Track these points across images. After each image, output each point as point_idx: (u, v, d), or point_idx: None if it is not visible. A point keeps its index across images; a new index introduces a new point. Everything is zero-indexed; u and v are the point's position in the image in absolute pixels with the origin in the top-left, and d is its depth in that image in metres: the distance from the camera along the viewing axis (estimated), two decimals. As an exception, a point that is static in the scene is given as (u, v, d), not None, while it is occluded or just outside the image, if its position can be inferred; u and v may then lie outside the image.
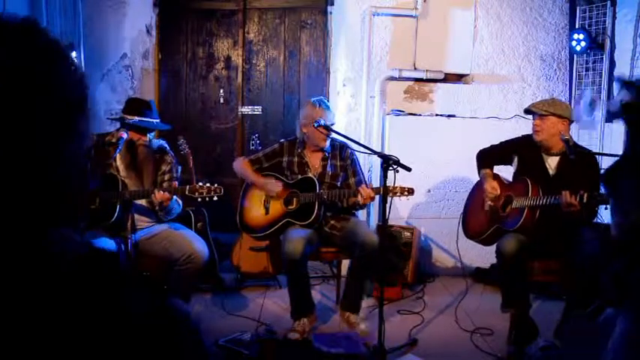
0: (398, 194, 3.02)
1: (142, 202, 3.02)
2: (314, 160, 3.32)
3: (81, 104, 0.67)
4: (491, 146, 3.33)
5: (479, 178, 3.34)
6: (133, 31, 4.34)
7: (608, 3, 3.91)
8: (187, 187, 2.86)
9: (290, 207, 3.22)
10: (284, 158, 3.34)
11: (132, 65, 4.34)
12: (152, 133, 3.18)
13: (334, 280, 3.77)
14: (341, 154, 3.36)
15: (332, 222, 3.25)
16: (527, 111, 3.11)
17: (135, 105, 3.07)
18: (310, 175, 3.24)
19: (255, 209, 3.31)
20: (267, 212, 3.26)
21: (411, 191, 3.05)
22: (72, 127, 0.65)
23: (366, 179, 3.55)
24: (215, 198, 2.86)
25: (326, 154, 3.33)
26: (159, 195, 2.82)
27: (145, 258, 2.96)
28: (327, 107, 3.29)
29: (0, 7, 3.23)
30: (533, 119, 3.07)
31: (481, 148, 3.35)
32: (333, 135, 3.23)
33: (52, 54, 0.64)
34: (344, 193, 3.16)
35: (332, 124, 3.25)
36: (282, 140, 3.46)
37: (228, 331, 3.02)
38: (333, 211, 3.29)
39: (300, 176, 3.26)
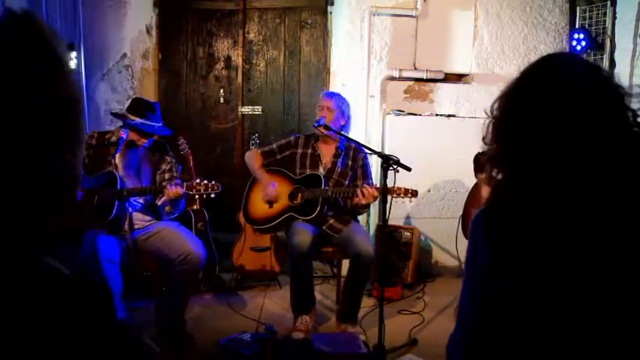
0: (401, 195, 2.99)
1: (140, 200, 3.02)
2: (326, 155, 3.37)
3: (75, 109, 0.59)
4: (488, 149, 3.31)
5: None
6: (133, 31, 4.34)
7: (608, 3, 3.91)
8: (185, 183, 2.86)
9: (294, 201, 3.25)
10: (299, 150, 3.40)
11: (132, 65, 4.34)
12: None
13: (334, 280, 3.77)
14: (354, 155, 3.39)
15: (331, 222, 3.25)
16: None
17: (139, 106, 3.04)
18: (318, 172, 3.28)
19: (260, 201, 3.35)
20: (271, 205, 3.30)
21: (414, 193, 3.02)
22: (67, 135, 0.58)
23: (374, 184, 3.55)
24: (213, 195, 2.85)
25: (339, 151, 3.36)
26: (173, 190, 2.82)
27: (144, 257, 2.96)
28: (330, 96, 3.35)
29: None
30: None
31: (478, 152, 3.34)
32: (330, 133, 3.25)
33: (45, 53, 0.57)
34: (348, 191, 3.16)
35: (348, 117, 3.35)
36: (297, 134, 3.55)
37: (228, 331, 3.02)
38: (335, 211, 3.29)
39: (308, 171, 3.31)
